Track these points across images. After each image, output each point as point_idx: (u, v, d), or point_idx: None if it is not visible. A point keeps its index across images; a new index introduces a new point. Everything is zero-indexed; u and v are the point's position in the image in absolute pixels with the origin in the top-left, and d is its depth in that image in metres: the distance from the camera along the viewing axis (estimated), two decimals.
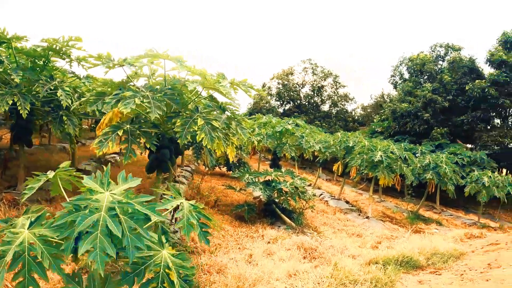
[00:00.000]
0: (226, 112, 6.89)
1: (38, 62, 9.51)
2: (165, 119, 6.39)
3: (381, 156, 14.16)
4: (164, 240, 2.96)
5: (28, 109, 7.94)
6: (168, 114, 6.29)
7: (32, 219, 2.88)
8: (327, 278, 7.05)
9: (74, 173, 3.64)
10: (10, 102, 7.74)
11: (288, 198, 11.32)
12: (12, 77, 8.06)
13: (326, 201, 17.45)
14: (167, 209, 3.19)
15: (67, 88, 8.78)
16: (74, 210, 2.57)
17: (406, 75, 37.55)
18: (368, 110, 53.41)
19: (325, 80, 52.10)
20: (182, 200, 3.29)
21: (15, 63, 8.93)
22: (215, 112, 6.67)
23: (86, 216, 2.52)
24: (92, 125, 18.96)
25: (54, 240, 2.68)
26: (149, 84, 7.36)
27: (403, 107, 30.83)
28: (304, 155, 17.53)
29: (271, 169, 14.30)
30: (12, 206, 8.32)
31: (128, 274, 2.80)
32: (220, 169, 19.43)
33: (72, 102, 8.59)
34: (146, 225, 2.74)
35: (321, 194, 18.84)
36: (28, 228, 2.80)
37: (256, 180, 11.56)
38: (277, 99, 51.64)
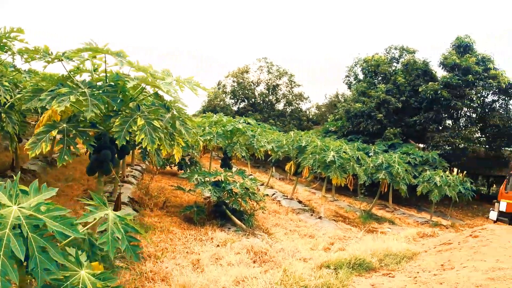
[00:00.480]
0: (173, 111, 6.55)
1: None
2: (105, 119, 6.01)
3: (333, 156, 14.05)
4: (84, 258, 2.61)
5: None
6: (107, 113, 5.91)
7: None
8: (276, 284, 6.83)
9: None
10: None
11: (239, 199, 11.04)
12: None
13: (279, 201, 17.27)
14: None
15: (7, 83, 8.29)
16: None
17: (361, 76, 37.83)
18: (323, 110, 53.71)
19: (280, 79, 52.12)
20: (107, 211, 2.95)
21: None
22: (161, 111, 6.34)
23: None
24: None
25: None
26: (92, 80, 6.98)
27: (357, 107, 31.05)
28: (256, 154, 17.31)
29: (222, 169, 14.04)
30: None
31: None
32: (171, 168, 19.02)
33: (11, 98, 8.12)
34: (65, 242, 2.40)
35: (274, 194, 18.66)
36: None
37: (206, 180, 11.23)
38: (231, 97, 51.38)
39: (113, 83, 5.99)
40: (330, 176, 14.14)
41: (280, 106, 52.59)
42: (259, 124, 20.95)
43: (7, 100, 7.97)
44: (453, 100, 28.49)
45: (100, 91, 5.50)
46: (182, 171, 18.73)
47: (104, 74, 7.04)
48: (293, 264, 8.02)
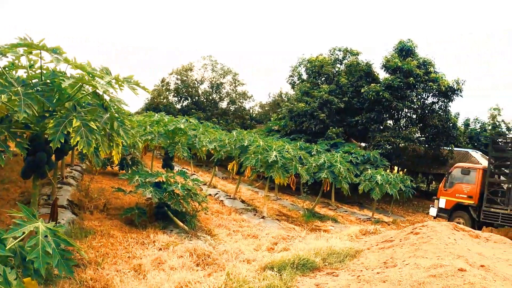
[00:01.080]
0: (112, 111, 6.31)
1: None
2: (38, 119, 5.71)
3: (276, 156, 14.02)
4: (13, 276, 2.37)
5: None
6: (42, 113, 5.61)
7: None
8: None
9: None
10: None
11: (180, 200, 10.85)
12: None
13: (222, 200, 17.15)
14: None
15: None
16: None
17: (305, 76, 38.08)
18: (266, 108, 54.02)
19: (224, 77, 52.13)
20: (37, 223, 2.74)
21: None
22: (98, 111, 6.09)
23: None
24: None
25: None
26: (28, 77, 6.65)
27: (300, 106, 31.24)
28: (197, 154, 17.15)
29: (163, 170, 13.81)
30: None
31: None
32: (112, 168, 18.59)
33: None
34: None
35: (217, 194, 18.54)
36: None
37: (147, 181, 10.98)
38: (175, 95, 51.01)
39: (48, 81, 5.72)
40: (273, 176, 14.10)
41: (223, 104, 52.64)
42: (201, 123, 20.78)
43: None
44: (395, 101, 29.13)
45: (34, 90, 5.22)
46: (124, 171, 18.36)
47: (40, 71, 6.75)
48: (236, 267, 7.91)
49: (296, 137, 30.42)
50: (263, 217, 14.23)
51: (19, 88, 5.13)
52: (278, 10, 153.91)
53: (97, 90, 5.98)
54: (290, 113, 32.64)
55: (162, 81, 51.70)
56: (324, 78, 35.60)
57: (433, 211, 18.99)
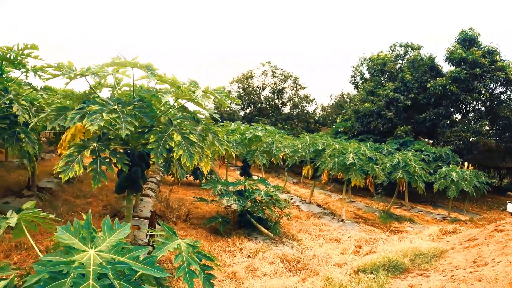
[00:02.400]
0: (203, 123, 6.38)
1: None
2: (136, 135, 5.83)
3: (353, 158, 13.89)
4: None
5: None
6: (139, 129, 5.73)
7: None
8: None
9: (42, 214, 3.08)
10: None
11: (263, 207, 10.88)
12: None
13: (298, 205, 17.13)
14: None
15: (24, 102, 8.13)
16: (50, 278, 1.94)
17: (367, 75, 37.61)
18: (329, 111, 53.60)
19: (285, 82, 52.06)
20: (178, 241, 2.77)
21: None
22: (186, 123, 6.17)
23: None
24: (51, 138, 18.18)
25: None
26: (114, 95, 6.82)
27: (366, 106, 30.83)
28: (273, 160, 17.18)
29: (242, 178, 13.91)
30: None
31: None
32: (187, 178, 18.91)
33: (29, 117, 7.95)
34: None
35: (292, 199, 18.52)
36: None
37: (228, 190, 11.08)
38: (237, 103, 51.40)
39: (139, 98, 5.84)
40: (351, 178, 13.96)
41: (286, 109, 52.55)
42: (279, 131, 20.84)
43: (26, 119, 7.83)
44: (462, 94, 28.19)
45: (131, 107, 5.33)
46: (198, 181, 18.63)
47: (127, 89, 6.92)
48: (329, 271, 7.88)
49: (364, 137, 30.04)
50: (342, 221, 14.10)
51: (116, 106, 5.25)
52: (331, 10, 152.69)
53: (184, 103, 6.08)
54: (356, 113, 32.22)
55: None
56: (387, 76, 34.90)
57: (510, 207, 18.26)
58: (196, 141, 5.41)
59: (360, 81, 38.53)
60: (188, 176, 18.08)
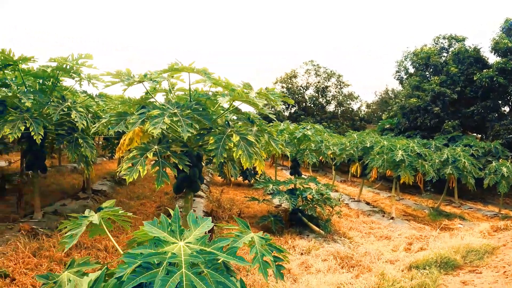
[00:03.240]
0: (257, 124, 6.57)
1: (47, 83, 9.23)
2: (196, 137, 6.07)
3: (402, 155, 13.85)
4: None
5: (42, 134, 7.63)
6: (198, 131, 5.96)
7: (90, 283, 2.42)
8: None
9: (120, 212, 3.32)
10: (23, 128, 7.42)
11: (315, 205, 11.01)
12: (23, 101, 7.73)
13: (347, 203, 17.19)
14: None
15: (81, 109, 8.49)
16: (144, 268, 2.15)
17: (411, 70, 36.99)
18: (374, 107, 53.15)
19: (328, 80, 51.91)
20: (252, 234, 2.98)
21: (23, 86, 8.62)
22: (240, 123, 6.36)
23: (166, 279, 2.06)
24: (102, 143, 18.73)
25: None
26: (168, 99, 7.08)
27: (412, 102, 30.40)
28: (321, 158, 17.25)
29: (292, 177, 14.03)
30: (32, 237, 8.01)
31: None
32: (236, 179, 19.17)
33: (87, 123, 8.30)
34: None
35: (341, 197, 18.54)
36: None
37: (280, 189, 11.25)
38: (282, 103, 51.48)
39: (196, 101, 6.06)
40: (400, 175, 13.92)
41: (331, 108, 52.35)
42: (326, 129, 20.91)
43: (84, 125, 8.16)
44: (510, 86, 27.39)
45: (190, 111, 5.55)
46: (247, 181, 18.89)
47: (181, 93, 7.17)
48: (381, 267, 7.97)
49: (411, 134, 29.62)
50: (392, 218, 14.09)
51: (175, 110, 5.49)
52: (368, 5, 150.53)
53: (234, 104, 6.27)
54: (402, 109, 31.77)
55: (267, 90, 52.26)
56: (432, 70, 34.10)
57: None
58: (254, 141, 5.60)
59: (405, 76, 37.91)
60: (238, 176, 18.37)
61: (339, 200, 12.10)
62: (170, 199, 13.74)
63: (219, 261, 2.31)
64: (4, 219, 9.19)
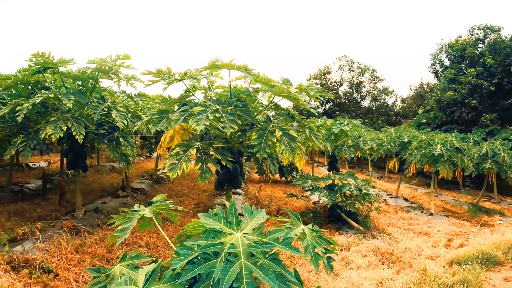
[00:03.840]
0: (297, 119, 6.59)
1: (86, 85, 9.42)
2: (238, 133, 6.12)
3: (441, 149, 13.66)
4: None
5: (84, 133, 7.79)
6: (240, 127, 6.01)
7: (147, 275, 2.43)
8: (414, 284, 6.75)
9: (171, 206, 3.39)
10: (65, 128, 7.60)
11: (354, 201, 10.98)
12: (64, 102, 7.91)
13: (385, 200, 17.07)
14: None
15: (121, 109, 8.64)
16: (202, 259, 2.20)
17: (447, 62, 36.30)
18: (409, 102, 52.49)
19: (362, 75, 51.57)
20: (303, 226, 3.01)
21: (63, 88, 8.81)
22: (281, 119, 6.39)
23: (226, 268, 2.10)
24: (140, 143, 19.01)
25: None
26: (207, 96, 7.15)
27: (449, 95, 29.84)
28: (358, 154, 17.16)
29: (330, 173, 14.00)
30: (74, 233, 8.20)
31: None
32: (273, 176, 19.24)
33: (127, 122, 8.44)
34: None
35: (379, 192, 18.42)
36: None
37: (319, 185, 11.25)
38: (316, 98, 51.34)
39: (237, 98, 6.10)
40: (439, 170, 13.74)
41: (365, 103, 52.03)
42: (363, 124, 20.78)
43: (124, 124, 8.29)
44: None
45: (232, 107, 5.59)
46: (284, 178, 18.93)
47: (221, 90, 7.23)
48: (422, 263, 7.93)
49: (448, 128, 29.06)
50: (431, 214, 13.93)
51: (217, 107, 5.54)
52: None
53: (276, 101, 6.29)
54: (438, 103, 31.21)
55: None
56: (468, 62, 33.33)
57: None
58: (296, 136, 5.62)
59: (440, 69, 37.24)
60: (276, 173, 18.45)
61: (377, 196, 12.00)
62: (208, 196, 13.85)
63: (270, 253, 2.35)
64: (46, 217, 9.43)
